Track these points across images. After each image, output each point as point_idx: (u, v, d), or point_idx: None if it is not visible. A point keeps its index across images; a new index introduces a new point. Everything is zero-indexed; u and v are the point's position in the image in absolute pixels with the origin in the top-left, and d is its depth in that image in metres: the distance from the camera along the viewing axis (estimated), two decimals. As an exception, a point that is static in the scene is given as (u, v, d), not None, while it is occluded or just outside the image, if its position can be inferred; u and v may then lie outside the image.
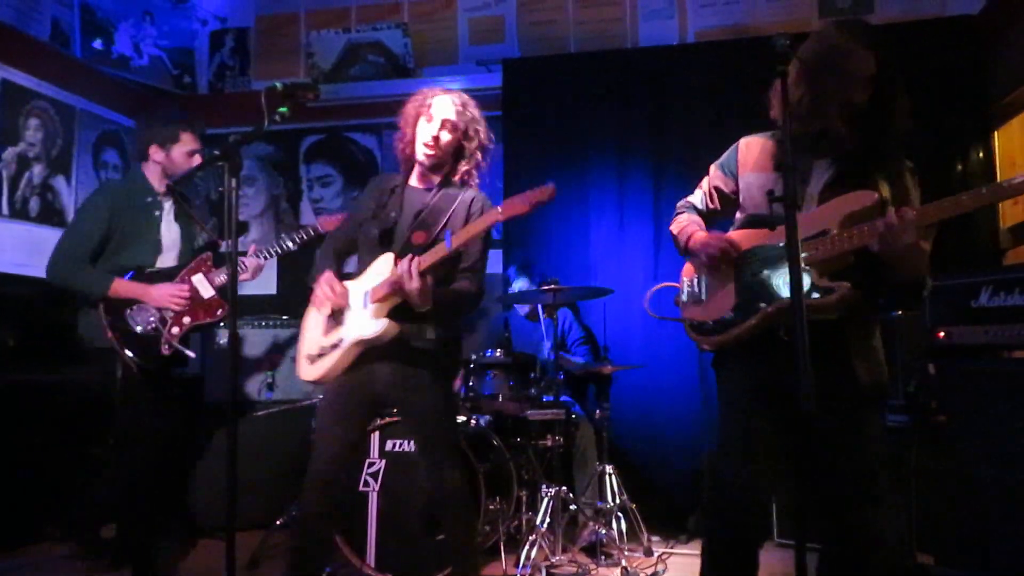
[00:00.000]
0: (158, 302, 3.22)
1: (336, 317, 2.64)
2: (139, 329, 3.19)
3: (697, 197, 2.46)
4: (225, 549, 2.00)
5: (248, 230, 5.70)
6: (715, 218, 2.44)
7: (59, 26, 4.95)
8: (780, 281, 2.09)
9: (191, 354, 3.31)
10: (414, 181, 2.74)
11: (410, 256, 2.41)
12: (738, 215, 2.34)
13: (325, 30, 5.46)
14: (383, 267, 2.56)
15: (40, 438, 3.99)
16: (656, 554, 3.74)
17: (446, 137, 2.62)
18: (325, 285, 2.59)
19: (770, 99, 2.20)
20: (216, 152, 2.00)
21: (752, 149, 2.31)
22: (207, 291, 3.29)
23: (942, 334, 3.02)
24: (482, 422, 3.99)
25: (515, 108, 4.97)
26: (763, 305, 2.10)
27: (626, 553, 3.61)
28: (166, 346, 3.20)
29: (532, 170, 4.82)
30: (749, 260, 2.18)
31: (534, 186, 2.27)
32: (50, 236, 4.81)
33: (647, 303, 2.54)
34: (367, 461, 3.44)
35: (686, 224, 2.38)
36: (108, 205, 3.30)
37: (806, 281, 1.99)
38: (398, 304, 2.52)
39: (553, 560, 3.38)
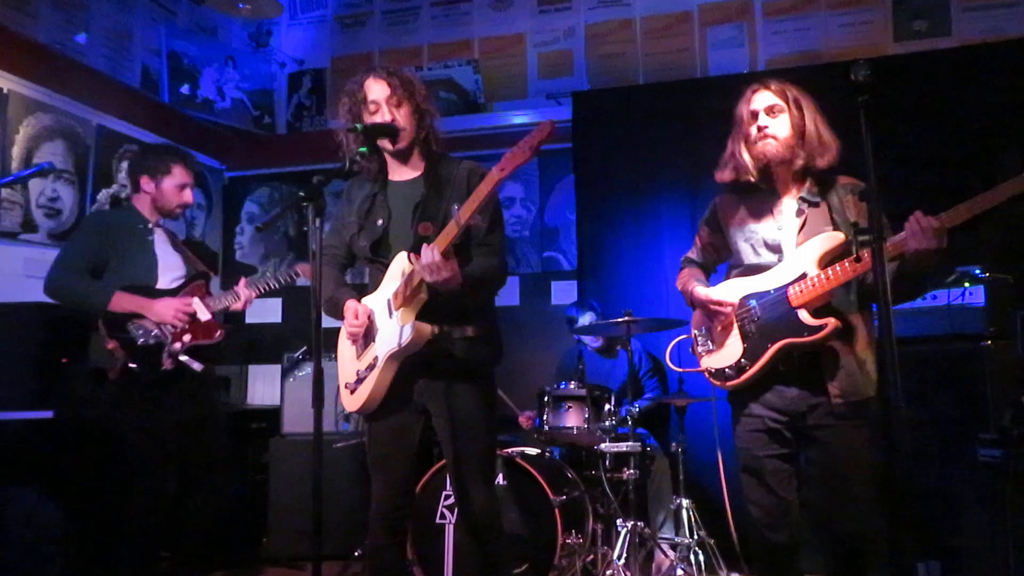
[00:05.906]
0: (160, 316, 3.15)
1: (368, 339, 2.51)
2: (140, 341, 3.13)
3: (695, 252, 2.75)
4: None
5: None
6: (716, 265, 2.74)
7: (148, 72, 5.22)
8: (774, 321, 2.35)
9: (197, 366, 3.21)
10: (396, 176, 2.57)
11: (425, 245, 2.24)
12: (731, 263, 2.62)
13: (398, 69, 5.60)
14: (400, 270, 2.41)
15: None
16: (736, 591, 3.66)
17: (400, 114, 2.46)
18: (350, 315, 2.47)
19: (723, 161, 2.59)
20: (301, 193, 2.06)
21: (730, 207, 2.59)
22: (204, 314, 3.24)
23: (1038, 364, 2.90)
24: (556, 454, 3.97)
25: (585, 140, 4.99)
26: (768, 345, 2.35)
27: (705, 590, 3.54)
28: (169, 359, 3.15)
29: (603, 201, 4.82)
30: (746, 307, 2.44)
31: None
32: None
33: (668, 357, 2.76)
34: (443, 494, 3.46)
35: (686, 279, 2.67)
36: (98, 223, 3.35)
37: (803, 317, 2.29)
38: (424, 305, 2.37)
39: (630, 596, 3.33)
